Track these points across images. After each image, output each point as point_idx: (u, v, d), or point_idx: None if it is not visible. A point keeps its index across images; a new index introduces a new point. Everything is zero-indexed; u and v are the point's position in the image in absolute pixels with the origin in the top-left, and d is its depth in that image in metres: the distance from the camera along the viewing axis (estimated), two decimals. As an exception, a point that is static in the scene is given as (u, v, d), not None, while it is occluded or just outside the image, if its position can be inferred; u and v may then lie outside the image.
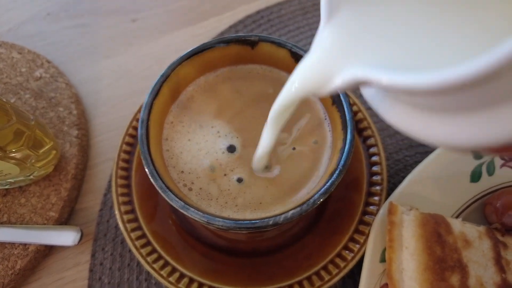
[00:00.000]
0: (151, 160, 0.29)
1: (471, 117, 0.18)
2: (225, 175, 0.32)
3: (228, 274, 0.37)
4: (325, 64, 0.20)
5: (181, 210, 0.27)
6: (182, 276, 0.37)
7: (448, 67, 0.14)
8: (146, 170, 0.29)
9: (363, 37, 0.20)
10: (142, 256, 0.37)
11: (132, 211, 0.40)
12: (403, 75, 0.16)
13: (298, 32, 0.53)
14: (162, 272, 0.36)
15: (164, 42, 0.55)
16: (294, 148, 0.33)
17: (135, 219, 0.39)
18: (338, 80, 0.20)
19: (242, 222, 0.27)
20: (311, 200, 0.27)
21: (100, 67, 0.54)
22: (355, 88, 0.20)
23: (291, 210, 0.27)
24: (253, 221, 0.27)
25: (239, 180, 0.31)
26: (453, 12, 0.19)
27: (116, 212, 0.39)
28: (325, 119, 0.34)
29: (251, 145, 0.32)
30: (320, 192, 0.28)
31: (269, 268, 0.38)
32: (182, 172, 0.32)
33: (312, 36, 0.54)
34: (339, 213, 0.40)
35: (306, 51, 0.33)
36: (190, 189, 0.31)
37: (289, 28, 0.54)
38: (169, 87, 0.33)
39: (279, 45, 0.34)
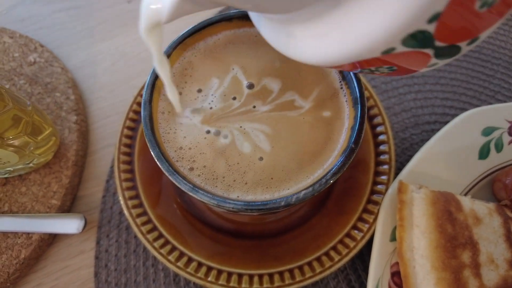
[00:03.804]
0: (156, 142, 0.28)
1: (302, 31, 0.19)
2: (235, 145, 0.30)
3: (236, 257, 0.37)
4: None
5: (190, 193, 0.27)
6: (190, 260, 0.36)
7: None
8: (152, 153, 0.28)
9: None
10: (149, 241, 0.37)
11: (137, 196, 0.39)
12: None
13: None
14: (170, 257, 0.36)
15: (161, 23, 0.53)
16: (303, 118, 0.31)
17: (140, 205, 0.39)
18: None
19: (253, 204, 0.26)
20: (323, 180, 0.27)
21: (96, 51, 0.52)
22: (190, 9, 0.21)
23: (303, 190, 0.26)
24: (264, 202, 0.26)
25: (250, 149, 0.30)
26: None
27: (120, 198, 0.38)
28: (341, 88, 0.31)
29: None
30: (332, 171, 0.27)
31: (278, 249, 0.37)
32: (181, 148, 0.30)
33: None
34: (347, 193, 0.39)
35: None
36: (191, 169, 0.29)
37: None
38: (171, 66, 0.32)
39: (285, 20, 0.32)
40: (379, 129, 0.40)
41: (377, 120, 0.40)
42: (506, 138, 0.40)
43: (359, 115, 0.29)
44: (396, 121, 0.45)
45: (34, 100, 0.46)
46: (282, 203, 0.26)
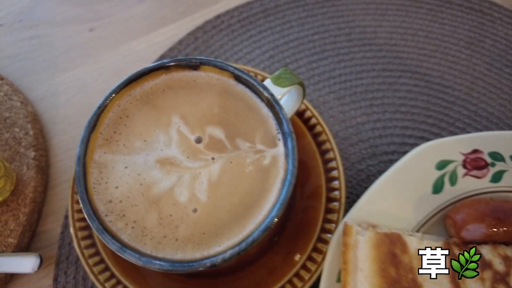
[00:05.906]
0: (89, 200, 0.29)
1: None
2: (172, 193, 0.30)
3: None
4: None
5: (118, 253, 0.27)
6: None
7: None
8: (83, 210, 0.28)
9: None
10: (100, 282, 0.37)
11: (90, 236, 0.39)
12: None
13: (260, 36, 0.51)
14: (120, 299, 0.36)
15: (122, 52, 0.53)
16: (231, 162, 0.31)
17: (93, 245, 0.39)
18: None
19: (178, 264, 0.26)
20: (250, 239, 0.27)
21: (58, 81, 0.52)
22: None
23: (229, 250, 0.27)
24: (190, 264, 0.26)
25: (187, 198, 0.29)
26: None
27: (74, 239, 0.38)
28: (278, 136, 0.31)
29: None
30: (260, 229, 0.27)
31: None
32: (110, 201, 0.29)
33: (275, 40, 0.52)
34: (298, 230, 0.39)
35: (249, 75, 0.32)
36: (121, 225, 0.29)
37: (250, 32, 0.51)
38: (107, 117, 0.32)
39: (221, 68, 0.32)
40: (331, 164, 0.40)
41: (329, 155, 0.40)
42: (460, 171, 0.40)
43: (289, 169, 0.29)
44: (353, 152, 0.45)
45: (-8, 136, 0.46)
46: (208, 264, 0.26)
